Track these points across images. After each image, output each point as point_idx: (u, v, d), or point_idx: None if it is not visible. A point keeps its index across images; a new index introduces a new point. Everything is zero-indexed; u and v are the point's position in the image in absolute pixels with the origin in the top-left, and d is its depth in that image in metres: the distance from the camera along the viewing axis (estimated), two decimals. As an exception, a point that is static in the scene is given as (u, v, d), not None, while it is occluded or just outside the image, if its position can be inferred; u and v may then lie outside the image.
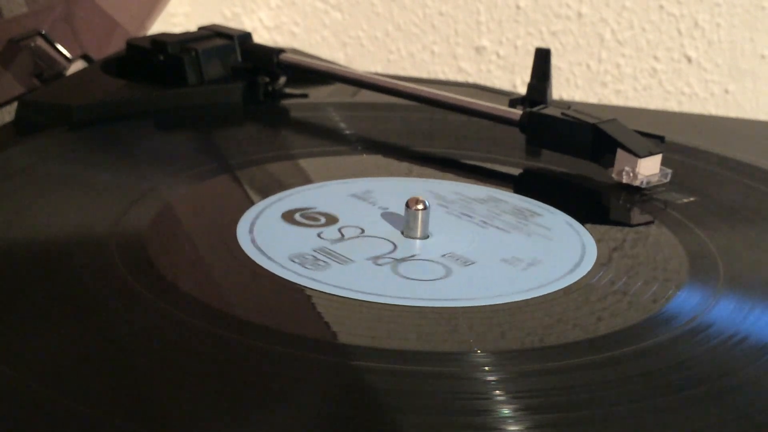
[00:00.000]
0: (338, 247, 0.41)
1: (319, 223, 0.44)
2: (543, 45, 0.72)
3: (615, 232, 0.45)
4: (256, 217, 0.44)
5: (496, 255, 0.41)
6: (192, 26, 0.69)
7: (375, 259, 0.40)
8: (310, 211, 0.45)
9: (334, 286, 0.38)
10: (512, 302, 0.37)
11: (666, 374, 0.33)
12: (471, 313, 0.36)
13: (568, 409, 0.31)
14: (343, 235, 0.42)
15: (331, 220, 0.44)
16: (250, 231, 0.42)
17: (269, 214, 0.44)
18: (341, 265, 0.39)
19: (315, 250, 0.40)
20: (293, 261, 0.39)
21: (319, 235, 0.42)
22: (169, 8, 0.86)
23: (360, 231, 0.43)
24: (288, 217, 0.44)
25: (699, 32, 0.85)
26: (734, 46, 0.84)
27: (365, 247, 0.41)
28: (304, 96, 0.62)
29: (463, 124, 0.57)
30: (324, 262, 0.39)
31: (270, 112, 0.60)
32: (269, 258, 0.40)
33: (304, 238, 0.42)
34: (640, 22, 0.86)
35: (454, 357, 0.34)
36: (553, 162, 0.52)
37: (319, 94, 0.63)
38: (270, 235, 0.42)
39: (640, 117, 0.66)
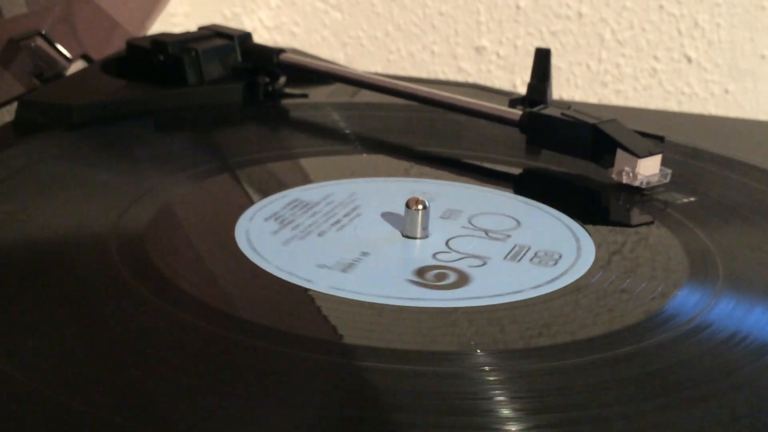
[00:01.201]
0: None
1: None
2: (543, 45, 0.72)
3: (615, 233, 0.45)
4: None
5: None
6: (192, 26, 0.69)
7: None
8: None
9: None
10: (512, 302, 0.37)
11: (666, 374, 0.33)
12: (471, 313, 0.36)
13: (568, 410, 0.31)
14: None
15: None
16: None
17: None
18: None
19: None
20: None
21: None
22: (169, 8, 0.86)
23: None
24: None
25: (699, 32, 0.85)
26: (734, 46, 0.84)
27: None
28: (304, 96, 0.62)
29: (463, 124, 0.57)
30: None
31: (270, 112, 0.60)
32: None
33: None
34: (640, 22, 0.86)
35: (454, 357, 0.34)
36: (553, 162, 0.52)
37: (319, 94, 0.63)
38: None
39: (640, 117, 0.66)
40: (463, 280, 0.39)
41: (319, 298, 0.37)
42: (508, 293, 0.38)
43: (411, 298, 0.37)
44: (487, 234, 0.44)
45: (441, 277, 0.39)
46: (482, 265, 0.40)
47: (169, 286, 0.37)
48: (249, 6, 0.94)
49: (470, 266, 0.40)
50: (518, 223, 0.45)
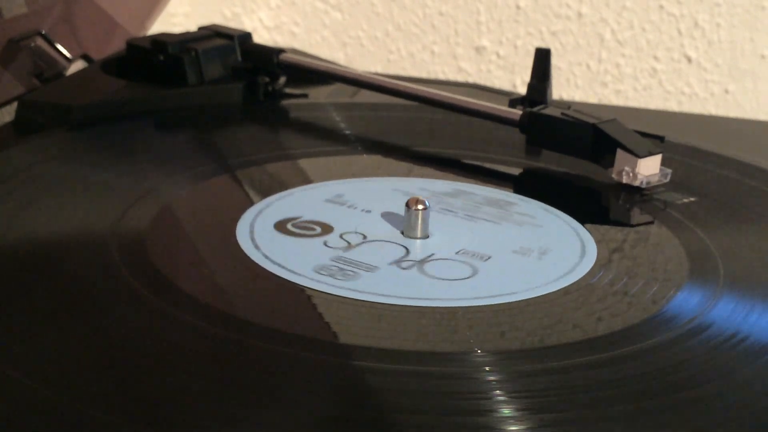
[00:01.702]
0: (352, 255, 0.41)
1: (315, 232, 0.43)
2: (543, 45, 0.72)
3: (615, 233, 0.45)
4: (256, 217, 0.44)
5: (506, 247, 0.41)
6: (192, 26, 0.69)
7: (397, 263, 0.40)
8: (302, 219, 0.45)
9: (357, 291, 0.38)
10: (512, 302, 0.37)
11: (666, 374, 0.33)
12: (471, 313, 0.36)
13: (568, 410, 0.31)
14: (349, 243, 0.42)
15: (327, 227, 0.44)
16: (250, 231, 0.42)
17: (268, 215, 0.44)
18: (367, 272, 0.39)
19: (333, 260, 0.40)
20: (320, 273, 0.39)
21: (325, 244, 0.42)
22: (169, 8, 0.86)
23: (362, 237, 0.43)
24: (281, 227, 0.44)
25: (699, 32, 0.85)
26: (734, 46, 0.84)
27: (379, 252, 0.41)
28: (304, 96, 0.62)
29: (463, 124, 0.57)
30: (352, 271, 0.39)
31: (270, 112, 0.60)
32: (269, 258, 0.40)
33: (308, 245, 0.42)
34: (640, 22, 0.86)
35: (454, 357, 0.34)
36: (553, 162, 0.52)
37: (319, 94, 0.63)
38: (269, 236, 0.42)
39: (640, 117, 0.66)
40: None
41: (319, 298, 0.37)
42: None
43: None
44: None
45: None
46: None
47: (169, 286, 0.37)
48: (249, 6, 0.94)
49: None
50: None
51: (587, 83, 0.88)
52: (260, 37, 0.92)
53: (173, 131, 0.57)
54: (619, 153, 0.48)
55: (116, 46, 0.66)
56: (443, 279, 0.39)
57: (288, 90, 0.62)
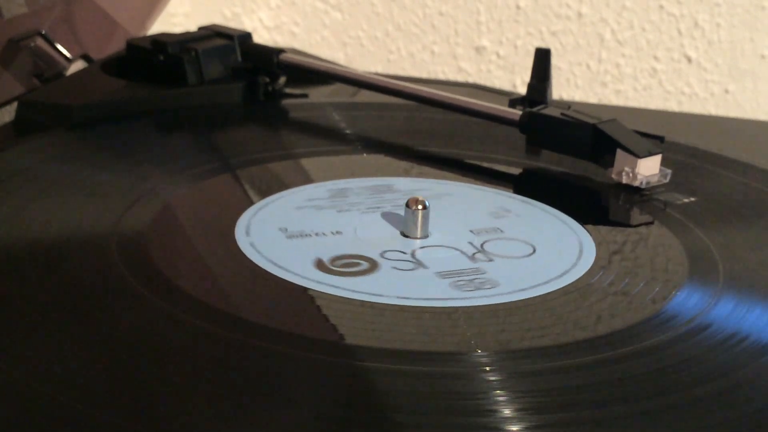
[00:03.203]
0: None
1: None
2: (543, 45, 0.72)
3: (615, 233, 0.45)
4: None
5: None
6: (192, 26, 0.69)
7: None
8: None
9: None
10: (512, 302, 0.37)
11: (666, 374, 0.33)
12: (471, 313, 0.36)
13: (568, 410, 0.31)
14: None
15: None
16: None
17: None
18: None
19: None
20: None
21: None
22: (169, 8, 0.86)
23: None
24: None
25: (699, 32, 0.85)
26: (734, 46, 0.84)
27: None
28: (304, 96, 0.62)
29: (463, 124, 0.57)
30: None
31: (270, 112, 0.60)
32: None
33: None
34: (640, 22, 0.86)
35: (454, 357, 0.34)
36: (553, 162, 0.52)
37: (319, 94, 0.63)
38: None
39: (640, 117, 0.66)
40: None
41: (319, 298, 0.37)
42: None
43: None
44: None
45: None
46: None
47: (169, 286, 0.37)
48: (249, 6, 0.94)
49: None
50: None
51: (587, 83, 0.88)
52: (260, 37, 0.92)
53: (173, 131, 0.57)
54: (619, 153, 0.48)
55: (116, 46, 0.66)
56: (443, 279, 0.39)
57: (288, 90, 0.62)
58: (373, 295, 0.37)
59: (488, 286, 0.38)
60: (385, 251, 0.41)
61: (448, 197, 0.47)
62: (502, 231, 0.44)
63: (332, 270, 0.39)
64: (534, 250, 0.42)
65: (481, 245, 0.42)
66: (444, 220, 0.44)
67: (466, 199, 0.47)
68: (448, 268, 0.40)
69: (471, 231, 0.44)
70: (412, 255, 0.41)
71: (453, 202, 0.47)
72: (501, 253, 0.42)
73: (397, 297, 0.37)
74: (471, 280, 0.39)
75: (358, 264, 0.40)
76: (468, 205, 0.47)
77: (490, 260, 0.41)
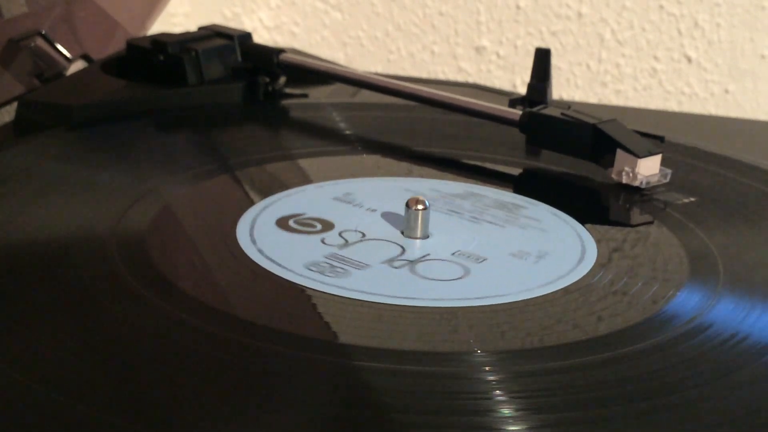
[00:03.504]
0: (348, 253, 0.41)
1: (315, 229, 0.43)
2: (543, 45, 0.72)
3: (615, 233, 0.45)
4: (256, 217, 0.44)
5: (504, 250, 0.41)
6: (192, 26, 0.69)
7: (390, 262, 0.40)
8: (303, 216, 0.45)
9: (358, 291, 0.38)
10: (512, 302, 0.37)
11: (666, 374, 0.33)
12: (471, 313, 0.36)
13: (568, 410, 0.31)
14: (346, 240, 0.42)
15: (328, 225, 0.44)
16: (250, 231, 0.42)
17: (268, 215, 0.44)
18: (358, 270, 0.39)
19: (327, 257, 0.40)
20: (310, 269, 0.39)
21: (322, 241, 0.42)
22: (169, 8, 0.86)
23: (361, 235, 0.43)
24: (282, 223, 0.44)
25: (699, 32, 0.85)
26: (734, 46, 0.84)
27: (374, 250, 0.41)
28: (304, 96, 0.62)
29: (463, 124, 0.57)
30: (342, 269, 0.39)
31: (270, 112, 0.60)
32: (269, 258, 0.40)
33: (307, 244, 0.42)
34: (640, 22, 0.86)
35: (454, 357, 0.34)
36: (553, 162, 0.52)
37: (319, 94, 0.63)
38: (270, 236, 0.42)
39: (640, 117, 0.66)
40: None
41: (319, 298, 0.37)
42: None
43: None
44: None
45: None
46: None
47: (169, 286, 0.37)
48: (249, 6, 0.94)
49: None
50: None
51: (587, 83, 0.88)
52: (260, 37, 0.92)
53: (173, 131, 0.57)
54: (619, 153, 0.48)
55: (116, 46, 0.66)
56: (433, 279, 0.39)
57: (288, 90, 0.62)
58: (360, 292, 0.37)
59: (477, 288, 0.38)
60: (384, 251, 0.41)
61: (457, 199, 0.47)
62: (502, 232, 0.44)
63: (323, 267, 0.39)
64: (532, 254, 0.42)
65: (480, 246, 0.42)
66: (447, 222, 0.44)
67: (475, 202, 0.47)
68: (442, 268, 0.40)
69: (471, 232, 0.44)
70: (407, 255, 0.41)
71: (461, 204, 0.47)
72: (499, 254, 0.42)
73: (385, 295, 0.37)
74: (467, 281, 0.39)
75: (350, 262, 0.40)
76: (475, 207, 0.47)
77: (485, 262, 0.41)
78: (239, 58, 0.61)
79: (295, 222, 0.44)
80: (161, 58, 0.59)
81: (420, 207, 0.42)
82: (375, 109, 0.60)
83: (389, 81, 0.58)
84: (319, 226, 0.43)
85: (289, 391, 0.31)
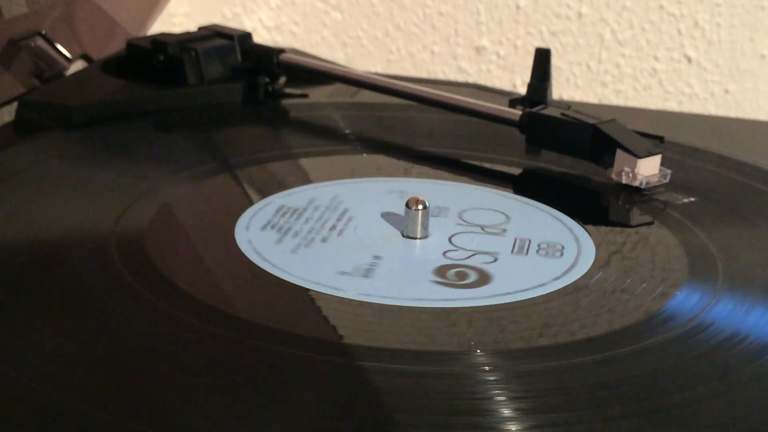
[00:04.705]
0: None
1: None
2: (543, 45, 0.72)
3: (615, 233, 0.45)
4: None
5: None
6: (192, 26, 0.69)
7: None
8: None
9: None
10: (512, 302, 0.37)
11: (666, 374, 0.33)
12: (471, 313, 0.36)
13: (568, 410, 0.31)
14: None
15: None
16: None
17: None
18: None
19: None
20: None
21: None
22: (169, 8, 0.86)
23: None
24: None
25: (699, 32, 0.85)
26: (734, 46, 0.84)
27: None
28: (304, 96, 0.62)
29: (463, 124, 0.57)
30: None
31: (270, 112, 0.60)
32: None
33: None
34: (640, 22, 0.86)
35: (454, 357, 0.34)
36: (553, 162, 0.52)
37: (319, 94, 0.63)
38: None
39: (640, 117, 0.66)
40: (465, 278, 0.39)
41: (319, 297, 0.37)
42: (509, 293, 0.38)
43: (412, 298, 0.37)
44: (487, 234, 0.44)
45: (441, 273, 0.39)
46: (481, 263, 0.40)
47: (169, 286, 0.37)
48: (249, 6, 0.94)
49: (469, 267, 0.40)
50: (518, 223, 0.45)
51: (587, 83, 0.88)
52: (260, 37, 0.92)
53: (173, 131, 0.57)
54: (619, 153, 0.48)
55: (116, 46, 0.66)
56: (440, 279, 0.39)
57: (288, 90, 0.62)
58: (370, 296, 0.37)
59: (477, 287, 0.38)
60: (382, 251, 0.41)
61: (448, 197, 0.47)
62: (502, 232, 0.44)
63: (332, 269, 0.39)
64: (533, 252, 0.42)
65: (480, 247, 0.42)
66: (446, 222, 0.44)
67: (466, 199, 0.47)
68: (441, 269, 0.40)
69: (471, 232, 0.44)
70: (411, 255, 0.41)
71: (452, 202, 0.47)
72: (499, 255, 0.42)
73: (395, 298, 0.37)
74: (461, 281, 0.39)
75: (356, 264, 0.40)
76: (468, 205, 0.47)
77: (487, 261, 0.41)
78: (239, 58, 0.61)
79: (295, 221, 0.44)
80: (161, 58, 0.59)
81: (420, 207, 0.42)
82: (375, 109, 0.60)
83: (389, 81, 0.58)
84: (318, 226, 0.43)
85: (289, 390, 0.31)
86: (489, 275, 0.39)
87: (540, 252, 0.42)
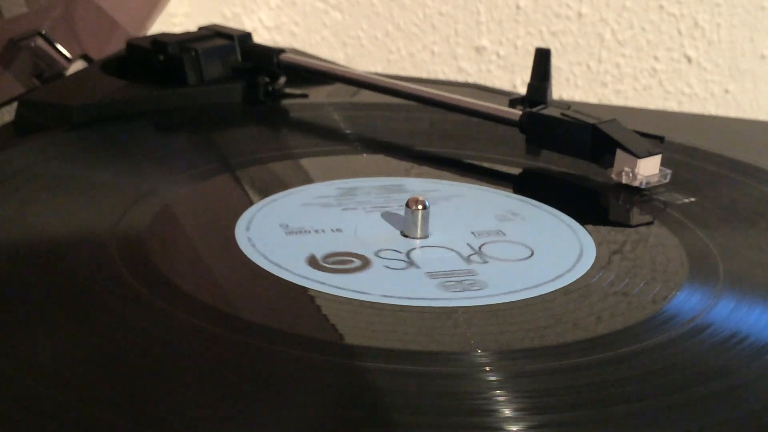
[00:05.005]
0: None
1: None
2: (543, 45, 0.72)
3: (615, 233, 0.45)
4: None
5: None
6: (192, 26, 0.69)
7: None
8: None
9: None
10: (512, 302, 0.37)
11: (666, 374, 0.33)
12: (471, 313, 0.36)
13: (568, 409, 0.31)
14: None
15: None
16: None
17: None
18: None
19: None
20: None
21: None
22: (169, 8, 0.86)
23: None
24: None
25: (699, 32, 0.85)
26: (734, 46, 0.84)
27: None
28: (304, 96, 0.62)
29: (463, 124, 0.57)
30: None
31: (270, 112, 0.60)
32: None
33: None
34: (640, 22, 0.86)
35: (454, 357, 0.34)
36: (553, 162, 0.52)
37: (319, 94, 0.63)
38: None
39: (640, 117, 0.66)
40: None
41: (319, 297, 0.37)
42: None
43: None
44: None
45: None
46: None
47: (169, 286, 0.37)
48: (249, 6, 0.94)
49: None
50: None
51: (587, 83, 0.88)
52: (260, 37, 0.92)
53: (173, 131, 0.57)
54: (619, 153, 0.48)
55: (116, 46, 0.66)
56: (440, 279, 0.39)
57: (288, 90, 0.62)
58: (366, 294, 0.37)
59: (477, 287, 0.38)
60: (381, 250, 0.41)
61: (448, 197, 0.47)
62: (503, 232, 0.44)
63: (324, 267, 0.39)
64: (534, 251, 0.42)
65: (480, 247, 0.42)
66: (446, 221, 0.44)
67: (470, 200, 0.47)
68: (441, 268, 0.40)
69: (472, 232, 0.44)
70: (407, 255, 0.41)
71: (457, 203, 0.47)
72: (500, 255, 0.42)
73: (391, 296, 0.37)
74: (461, 281, 0.39)
75: (350, 262, 0.40)
76: (468, 205, 0.47)
77: (486, 262, 0.41)
78: (239, 58, 0.61)
79: (295, 221, 0.44)
80: (161, 58, 0.59)
81: (420, 207, 0.42)
82: (375, 109, 0.60)
83: (389, 81, 0.58)
84: (318, 226, 0.43)
85: (289, 390, 0.31)
86: (489, 275, 0.39)
87: (539, 253, 0.42)
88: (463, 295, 0.38)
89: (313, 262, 0.40)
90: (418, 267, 0.40)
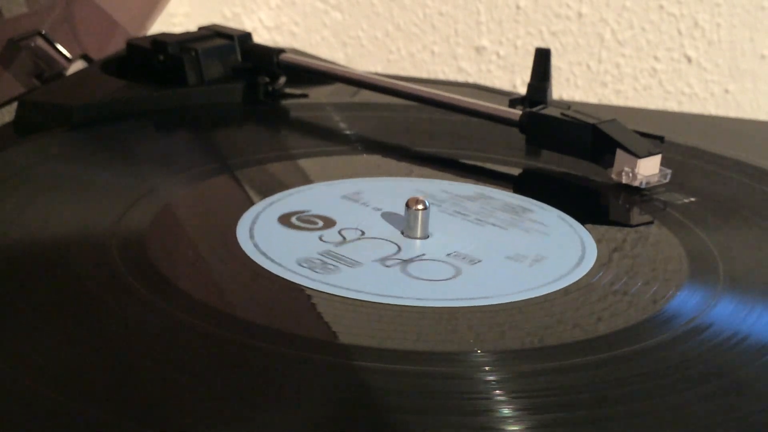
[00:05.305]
0: (343, 250, 0.41)
1: (317, 226, 0.44)
2: (543, 45, 0.72)
3: (615, 233, 0.45)
4: (256, 217, 0.44)
5: (500, 253, 0.41)
6: (192, 26, 0.69)
7: (382, 261, 0.40)
8: (305, 214, 0.45)
9: (346, 288, 0.38)
10: (512, 302, 0.37)
11: (666, 374, 0.33)
12: (471, 313, 0.36)
13: (568, 409, 0.31)
14: (344, 238, 0.42)
15: (329, 222, 0.44)
16: (250, 231, 0.42)
17: (268, 215, 0.44)
18: (350, 268, 0.39)
19: (321, 254, 0.40)
20: (302, 265, 0.39)
21: (320, 238, 0.42)
22: (169, 8, 0.86)
23: (360, 233, 0.43)
24: (285, 220, 0.44)
25: (699, 32, 0.85)
26: (734, 46, 0.84)
27: (370, 249, 0.41)
28: (304, 96, 0.62)
29: (463, 124, 0.57)
30: (333, 265, 0.39)
31: (270, 112, 0.60)
32: (269, 258, 0.40)
33: (306, 242, 0.42)
34: (640, 22, 0.86)
35: (454, 357, 0.34)
36: (553, 162, 0.52)
37: (319, 94, 0.63)
38: (270, 236, 0.42)
39: (640, 117, 0.66)
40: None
41: (319, 297, 0.37)
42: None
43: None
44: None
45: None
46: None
47: (169, 286, 0.37)
48: (249, 6, 0.94)
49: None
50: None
51: (587, 83, 0.88)
52: (260, 37, 0.92)
53: (173, 131, 0.57)
54: (619, 153, 0.48)
55: (116, 46, 0.66)
56: (423, 279, 0.39)
57: (288, 90, 0.62)
58: (345, 290, 0.37)
59: (477, 288, 0.38)
60: (380, 250, 0.41)
61: (467, 200, 0.47)
62: (499, 228, 0.44)
63: (315, 263, 0.39)
64: (529, 257, 0.42)
65: (480, 247, 0.42)
66: (450, 223, 0.44)
67: (483, 203, 0.47)
68: (441, 269, 0.40)
69: (472, 235, 0.44)
70: (402, 254, 0.41)
71: (469, 206, 0.47)
72: (500, 255, 0.42)
73: (372, 294, 0.37)
74: (461, 281, 0.39)
75: (350, 262, 0.40)
76: (483, 209, 0.47)
77: (479, 264, 0.41)
78: (239, 58, 0.61)
79: (297, 219, 0.44)
80: (161, 58, 0.59)
81: (420, 207, 0.42)
82: (375, 109, 0.60)
83: (389, 81, 0.58)
84: (320, 224, 0.43)
85: (289, 390, 0.31)
86: (489, 275, 0.39)
87: (539, 252, 0.42)
88: (464, 295, 0.38)
89: (313, 262, 0.40)
90: (410, 267, 0.40)
